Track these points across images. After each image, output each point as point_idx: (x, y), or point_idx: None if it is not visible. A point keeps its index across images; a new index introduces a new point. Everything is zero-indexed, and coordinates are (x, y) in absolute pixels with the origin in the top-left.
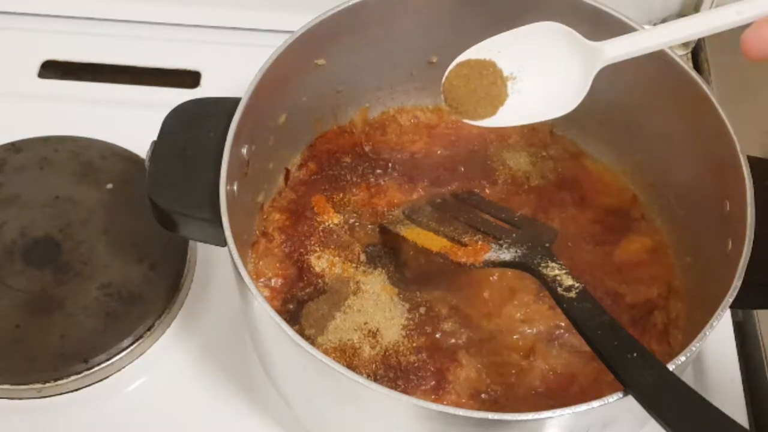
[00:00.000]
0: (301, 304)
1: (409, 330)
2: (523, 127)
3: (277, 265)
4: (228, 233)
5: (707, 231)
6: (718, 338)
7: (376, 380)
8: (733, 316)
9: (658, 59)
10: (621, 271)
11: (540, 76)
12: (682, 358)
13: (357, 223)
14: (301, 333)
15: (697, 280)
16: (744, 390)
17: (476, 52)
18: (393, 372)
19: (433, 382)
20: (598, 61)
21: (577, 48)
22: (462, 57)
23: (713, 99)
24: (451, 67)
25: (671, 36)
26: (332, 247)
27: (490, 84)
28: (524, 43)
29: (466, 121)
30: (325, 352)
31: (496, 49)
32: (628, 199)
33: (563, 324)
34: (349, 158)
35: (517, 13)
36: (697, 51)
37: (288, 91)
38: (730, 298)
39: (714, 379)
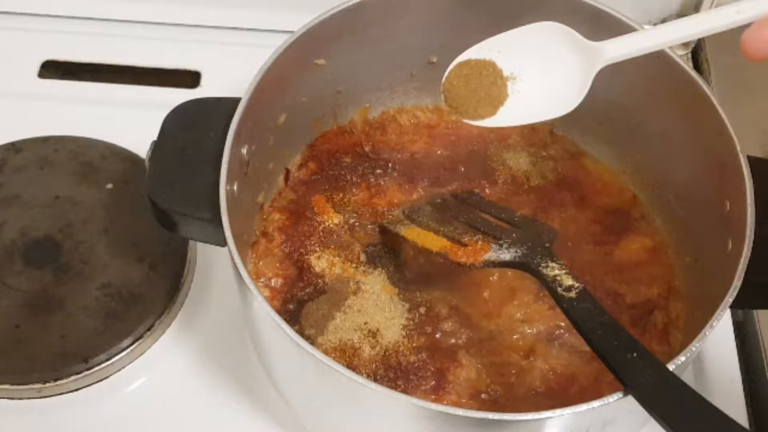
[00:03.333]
0: (301, 304)
1: (409, 330)
2: (523, 127)
3: (277, 265)
4: (228, 233)
5: (707, 231)
6: (718, 338)
7: (376, 380)
8: (733, 316)
9: (658, 59)
10: (621, 271)
11: (540, 76)
12: (682, 358)
13: (357, 223)
14: (301, 333)
15: (697, 280)
16: (744, 390)
17: (476, 52)
18: (393, 372)
19: (433, 382)
20: (598, 61)
21: (577, 48)
22: (462, 57)
23: (713, 99)
24: (451, 67)
25: (671, 36)
26: (332, 247)
27: (490, 84)
28: (524, 43)
29: (466, 121)
30: (325, 352)
31: (496, 49)
32: (628, 199)
33: (563, 324)
34: (349, 158)
35: (517, 13)
36: (697, 51)
37: (288, 91)
38: (730, 298)
39: (714, 379)
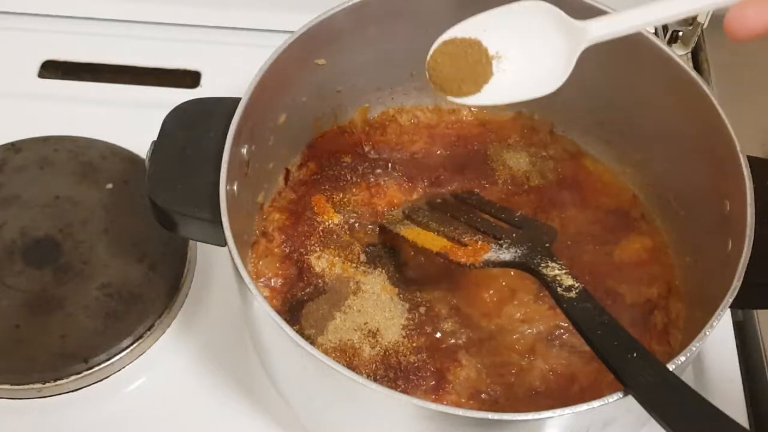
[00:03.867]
0: (301, 304)
1: (409, 330)
2: (522, 126)
3: (277, 265)
4: (228, 233)
5: (707, 231)
6: (718, 338)
7: (376, 380)
8: (733, 316)
9: (658, 59)
10: (621, 271)
11: (525, 55)
12: (682, 358)
13: (357, 223)
14: (301, 333)
15: (697, 280)
16: (744, 390)
17: (462, 30)
18: (393, 372)
19: (433, 382)
20: (582, 41)
21: (562, 27)
22: (447, 35)
23: (713, 99)
24: (435, 45)
25: (655, 15)
26: (332, 247)
27: (475, 62)
28: (510, 22)
29: (449, 98)
30: (325, 352)
31: (482, 27)
32: (628, 199)
33: (563, 324)
34: (349, 158)
35: None
36: (697, 51)
37: (288, 91)
38: (730, 298)
39: (714, 379)
